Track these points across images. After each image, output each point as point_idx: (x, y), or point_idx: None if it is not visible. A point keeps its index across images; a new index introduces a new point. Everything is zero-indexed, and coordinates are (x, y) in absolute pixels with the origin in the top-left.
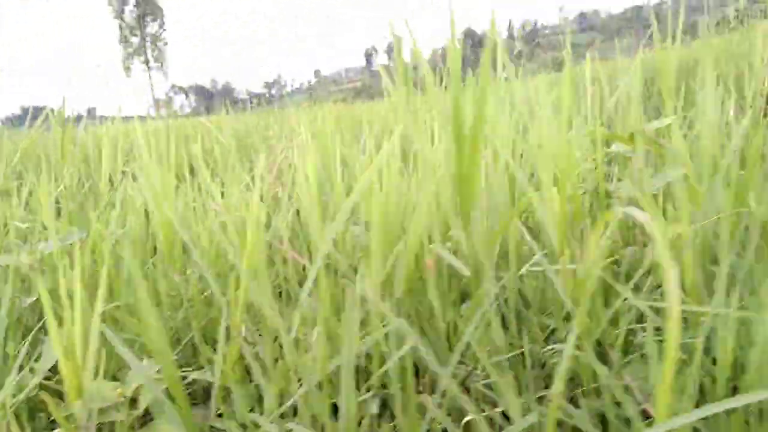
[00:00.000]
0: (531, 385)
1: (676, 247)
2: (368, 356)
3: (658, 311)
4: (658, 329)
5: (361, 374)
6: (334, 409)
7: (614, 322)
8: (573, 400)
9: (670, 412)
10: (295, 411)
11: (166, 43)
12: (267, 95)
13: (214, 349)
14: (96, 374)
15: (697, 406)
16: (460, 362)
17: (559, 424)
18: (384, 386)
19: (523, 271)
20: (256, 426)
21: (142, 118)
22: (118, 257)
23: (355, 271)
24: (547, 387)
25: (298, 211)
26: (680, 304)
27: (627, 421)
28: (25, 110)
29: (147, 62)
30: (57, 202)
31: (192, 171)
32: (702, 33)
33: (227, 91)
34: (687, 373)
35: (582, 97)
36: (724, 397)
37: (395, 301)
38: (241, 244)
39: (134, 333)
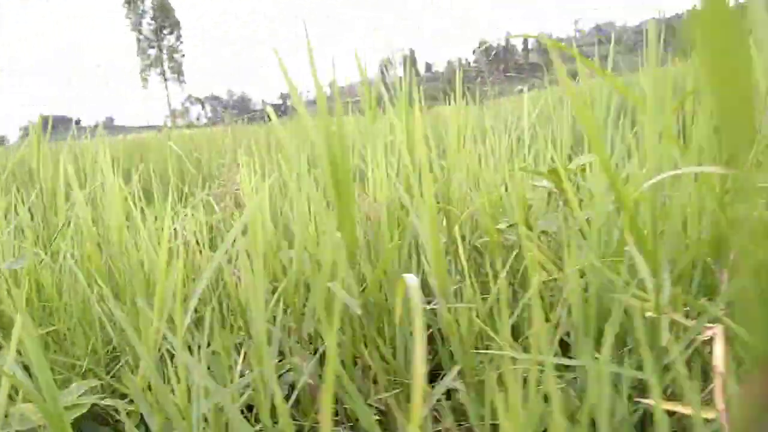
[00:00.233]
0: None
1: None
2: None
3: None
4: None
5: None
6: None
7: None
8: None
9: None
10: None
11: (183, 55)
12: (282, 106)
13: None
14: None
15: None
16: None
17: None
18: None
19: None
20: None
21: (158, 128)
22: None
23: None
24: None
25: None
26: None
27: None
28: (44, 119)
29: (164, 74)
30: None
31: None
32: (650, 60)
33: (244, 102)
34: None
35: (551, 121)
36: None
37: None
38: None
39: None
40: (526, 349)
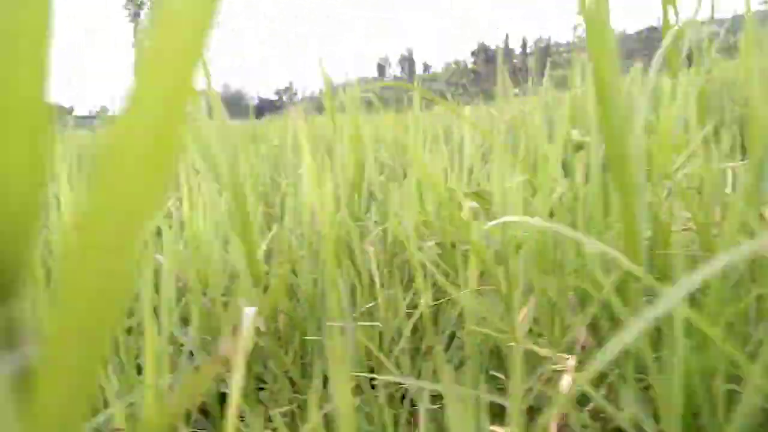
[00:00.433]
0: None
1: None
2: None
3: None
4: None
5: None
6: None
7: None
8: None
9: None
10: None
11: None
12: (277, 102)
13: None
14: None
15: None
16: None
17: None
18: None
19: None
20: None
21: None
22: None
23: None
24: None
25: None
26: None
27: None
28: None
29: None
30: None
31: None
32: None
33: (239, 97)
34: None
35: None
36: None
37: None
38: None
39: None
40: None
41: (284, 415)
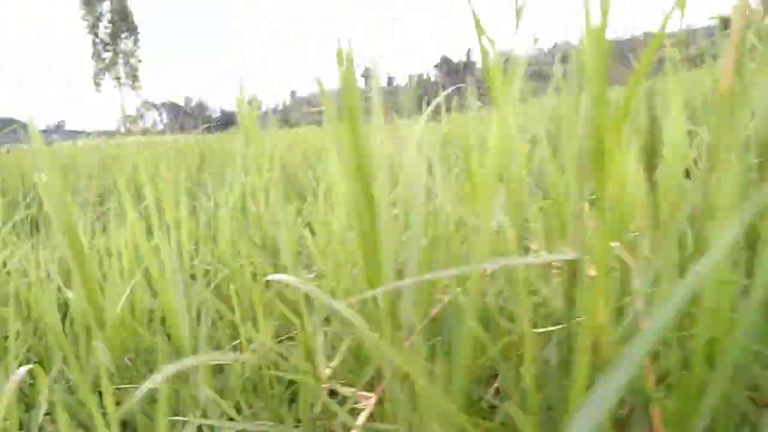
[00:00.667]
0: None
1: None
2: None
3: None
4: None
5: None
6: None
7: None
8: None
9: None
10: None
11: (140, 60)
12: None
13: None
14: None
15: None
16: None
17: None
18: None
19: None
20: None
21: (110, 133)
22: None
23: None
24: None
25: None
26: None
27: None
28: None
29: (118, 78)
30: None
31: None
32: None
33: (201, 109)
34: None
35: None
36: None
37: None
38: None
39: None
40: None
41: None
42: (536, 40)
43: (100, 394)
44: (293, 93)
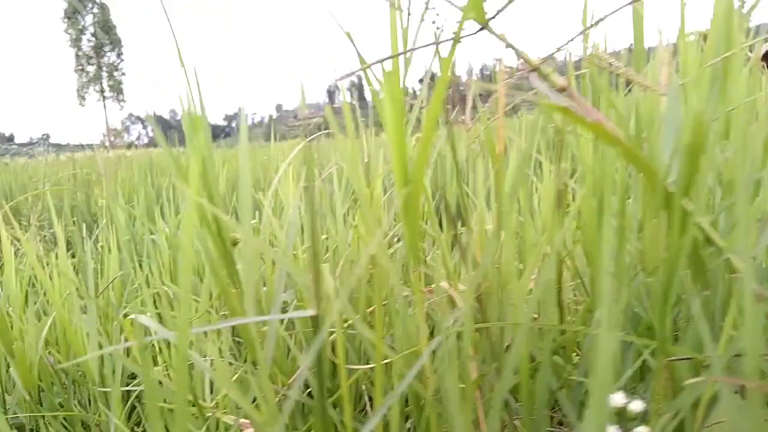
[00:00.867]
0: None
1: None
2: None
3: None
4: None
5: None
6: None
7: None
8: None
9: None
10: None
11: (123, 74)
12: (226, 128)
13: None
14: None
15: None
16: None
17: None
18: None
19: None
20: None
21: (93, 147)
22: None
23: None
24: None
25: None
26: None
27: None
28: None
29: (102, 91)
30: None
31: None
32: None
33: None
34: None
35: None
36: None
37: None
38: None
39: None
40: None
41: None
42: None
43: None
44: (279, 106)
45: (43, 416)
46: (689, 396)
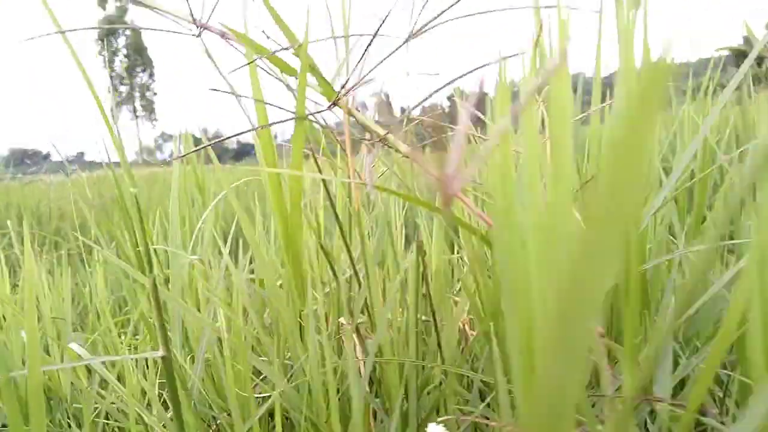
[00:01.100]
0: None
1: None
2: None
3: None
4: None
5: None
6: None
7: None
8: None
9: None
10: None
11: (155, 93)
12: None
13: None
14: None
15: None
16: None
17: None
18: None
19: None
20: None
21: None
22: None
23: None
24: None
25: None
26: None
27: None
28: (13, 152)
29: (135, 111)
30: None
31: None
32: None
33: (218, 139)
34: None
35: None
36: None
37: None
38: None
39: None
40: None
41: None
42: None
43: None
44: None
45: None
46: None
